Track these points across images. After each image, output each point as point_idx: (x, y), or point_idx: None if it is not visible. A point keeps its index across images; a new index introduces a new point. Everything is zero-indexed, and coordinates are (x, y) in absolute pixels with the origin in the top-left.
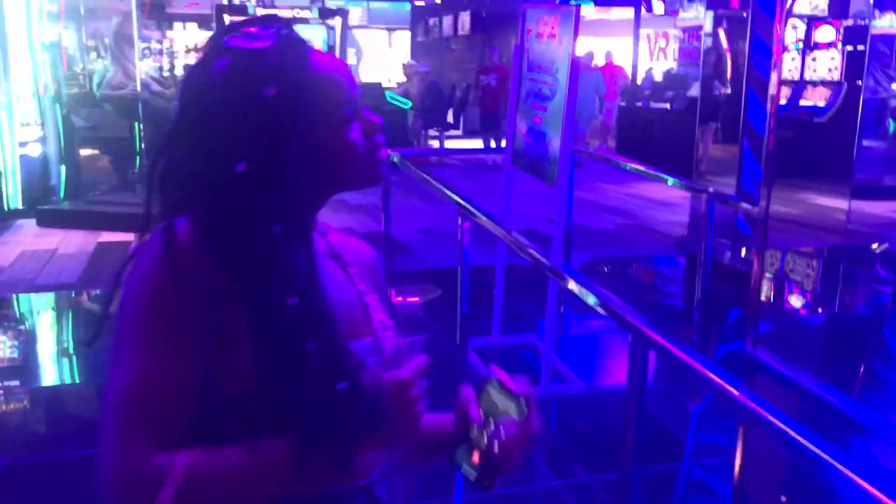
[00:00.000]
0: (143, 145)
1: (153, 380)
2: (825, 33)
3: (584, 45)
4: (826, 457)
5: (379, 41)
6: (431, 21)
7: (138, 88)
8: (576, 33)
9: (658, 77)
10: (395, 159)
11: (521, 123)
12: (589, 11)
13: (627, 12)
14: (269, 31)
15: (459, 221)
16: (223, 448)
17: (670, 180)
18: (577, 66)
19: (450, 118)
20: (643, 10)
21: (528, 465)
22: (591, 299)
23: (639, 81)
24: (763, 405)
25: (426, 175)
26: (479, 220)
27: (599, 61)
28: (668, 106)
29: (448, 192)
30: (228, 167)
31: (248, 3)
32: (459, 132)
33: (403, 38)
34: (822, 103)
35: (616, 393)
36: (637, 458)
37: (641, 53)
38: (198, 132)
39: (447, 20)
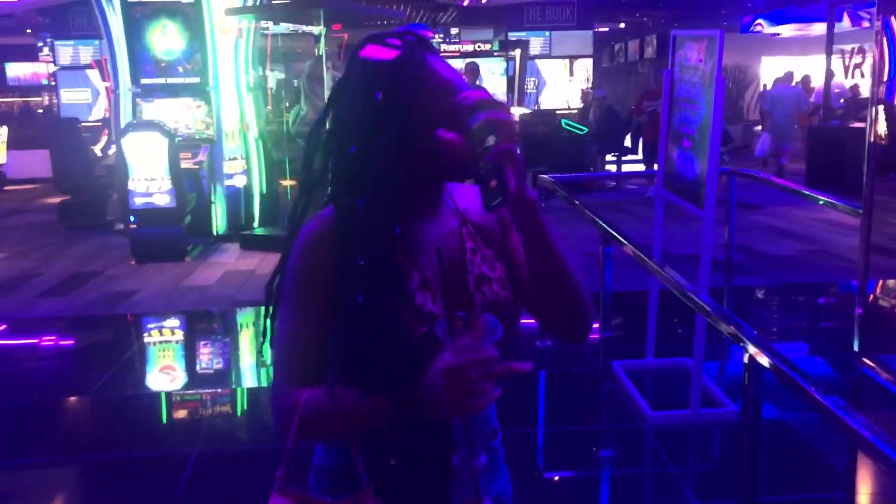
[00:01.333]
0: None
1: (291, 334)
2: None
3: (782, 64)
4: None
5: (560, 69)
6: (617, 46)
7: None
8: (720, 57)
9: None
10: (549, 185)
11: (672, 148)
12: (785, 30)
13: (823, 28)
14: (397, 42)
15: (601, 247)
16: (337, 391)
17: (821, 200)
18: (723, 90)
19: (627, 142)
20: (836, 24)
21: (672, 488)
22: (722, 327)
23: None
24: None
25: (574, 200)
26: (623, 246)
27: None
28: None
29: (592, 217)
30: (347, 155)
31: (431, 39)
32: (639, 156)
33: (586, 65)
34: None
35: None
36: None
37: (837, 70)
38: (334, 130)
39: (633, 44)
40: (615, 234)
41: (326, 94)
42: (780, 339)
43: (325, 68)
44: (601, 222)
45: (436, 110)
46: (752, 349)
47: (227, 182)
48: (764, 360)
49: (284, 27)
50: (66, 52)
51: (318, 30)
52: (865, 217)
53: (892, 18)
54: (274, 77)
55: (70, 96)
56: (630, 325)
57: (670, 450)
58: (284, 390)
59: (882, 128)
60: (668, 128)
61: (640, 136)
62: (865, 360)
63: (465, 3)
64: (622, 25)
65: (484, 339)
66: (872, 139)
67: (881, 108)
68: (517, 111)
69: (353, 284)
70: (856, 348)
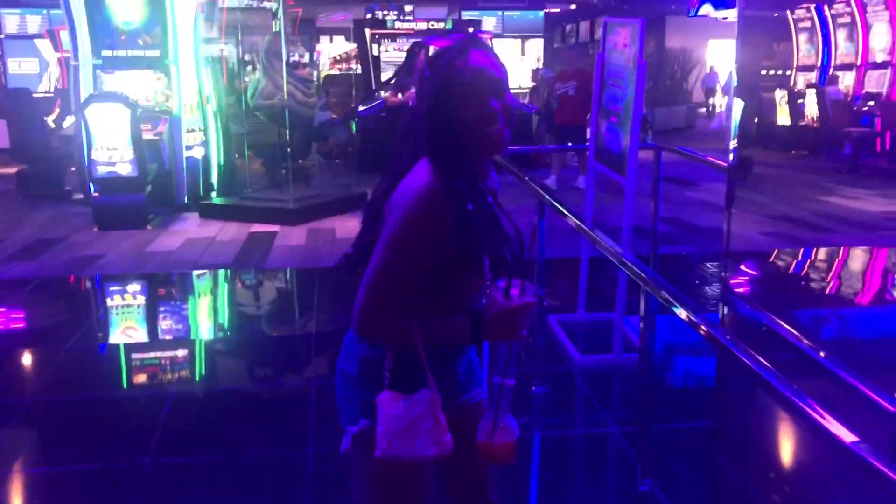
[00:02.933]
0: (289, 149)
1: (407, 272)
2: None
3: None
4: None
5: (513, 48)
6: (568, 27)
7: (285, 98)
8: (641, 42)
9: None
10: (499, 160)
11: (602, 123)
12: (731, 13)
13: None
14: (455, 37)
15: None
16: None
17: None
18: (643, 72)
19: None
20: None
21: (592, 412)
22: (626, 268)
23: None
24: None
25: (519, 173)
26: (557, 211)
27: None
28: None
29: (532, 185)
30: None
31: (387, 18)
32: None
33: (537, 45)
34: None
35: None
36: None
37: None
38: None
39: (584, 25)
40: (550, 199)
41: (280, 68)
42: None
43: (282, 43)
44: (538, 188)
45: (470, 90)
46: (648, 288)
47: (187, 153)
48: (658, 295)
49: (239, 1)
50: (13, 20)
51: (273, 5)
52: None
53: (825, 7)
54: (229, 51)
55: (18, 67)
56: (567, 286)
57: (594, 387)
58: (389, 309)
59: (813, 111)
60: (599, 105)
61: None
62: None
63: None
64: (573, 7)
65: (527, 295)
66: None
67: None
68: None
69: (465, 228)
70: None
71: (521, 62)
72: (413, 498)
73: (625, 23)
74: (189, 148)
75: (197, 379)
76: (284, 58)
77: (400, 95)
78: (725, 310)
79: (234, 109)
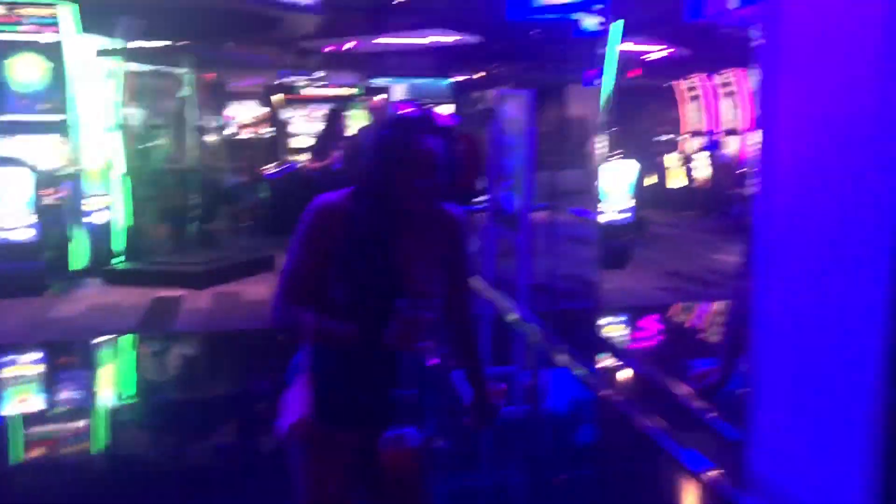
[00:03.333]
0: (197, 212)
1: (297, 267)
2: None
3: None
4: None
5: None
6: (476, 94)
7: (194, 163)
8: (531, 112)
9: None
10: None
11: (498, 187)
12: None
13: None
14: (415, 112)
15: None
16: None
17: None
18: (533, 139)
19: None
20: None
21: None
22: (516, 322)
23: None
24: None
25: None
26: None
27: None
28: None
29: None
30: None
31: (297, 84)
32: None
33: (447, 110)
34: None
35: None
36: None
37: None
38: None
39: (489, 93)
40: None
41: (189, 133)
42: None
43: (191, 107)
44: None
45: (403, 169)
46: (538, 343)
47: (90, 218)
48: (555, 356)
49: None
50: None
51: (183, 70)
52: None
53: (711, 77)
54: (138, 115)
55: None
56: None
57: (495, 440)
58: (284, 304)
59: (703, 173)
60: (495, 169)
61: None
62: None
63: (327, 50)
64: (480, 75)
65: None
66: None
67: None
68: None
69: (358, 250)
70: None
71: None
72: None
73: (516, 94)
74: (92, 213)
75: (94, 451)
76: (193, 122)
77: (320, 160)
78: (610, 363)
79: (142, 173)
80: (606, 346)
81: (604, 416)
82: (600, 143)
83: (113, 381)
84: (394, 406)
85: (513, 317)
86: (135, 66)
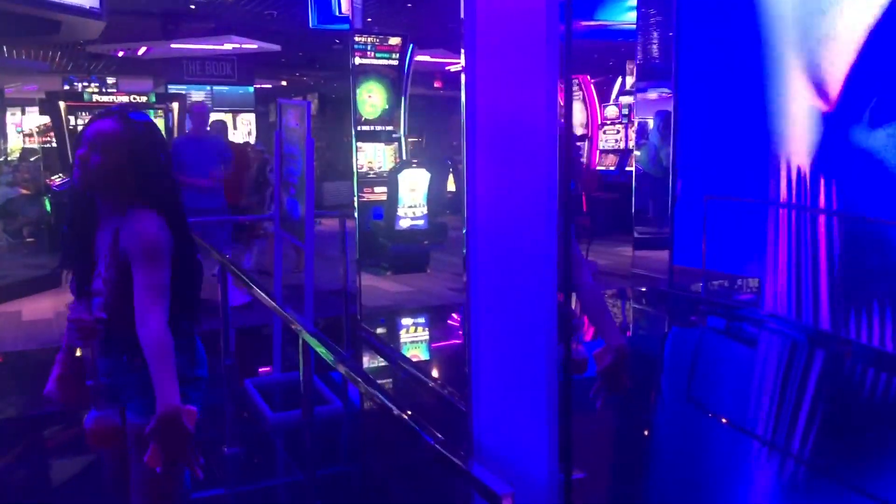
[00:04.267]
0: None
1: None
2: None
3: None
4: None
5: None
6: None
7: None
8: (308, 121)
9: None
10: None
11: (283, 194)
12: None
13: None
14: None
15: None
16: None
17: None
18: (312, 148)
19: None
20: None
21: (284, 465)
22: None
23: None
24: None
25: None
26: (245, 287)
27: None
28: None
29: (222, 260)
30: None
31: (85, 90)
32: None
33: (248, 118)
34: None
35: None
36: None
37: None
38: None
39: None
40: (239, 273)
41: None
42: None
43: None
44: (225, 261)
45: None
46: (304, 337)
47: None
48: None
49: None
50: None
51: None
52: None
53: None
54: None
55: None
56: (266, 350)
57: (286, 442)
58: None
59: None
60: (280, 177)
61: None
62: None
63: (121, 55)
64: (284, 83)
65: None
66: None
67: None
68: None
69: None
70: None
71: (232, 136)
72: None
73: (295, 104)
74: None
75: None
76: None
77: None
78: (381, 362)
79: None
80: (364, 332)
81: (368, 412)
82: (395, 152)
83: None
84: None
85: (297, 325)
86: None
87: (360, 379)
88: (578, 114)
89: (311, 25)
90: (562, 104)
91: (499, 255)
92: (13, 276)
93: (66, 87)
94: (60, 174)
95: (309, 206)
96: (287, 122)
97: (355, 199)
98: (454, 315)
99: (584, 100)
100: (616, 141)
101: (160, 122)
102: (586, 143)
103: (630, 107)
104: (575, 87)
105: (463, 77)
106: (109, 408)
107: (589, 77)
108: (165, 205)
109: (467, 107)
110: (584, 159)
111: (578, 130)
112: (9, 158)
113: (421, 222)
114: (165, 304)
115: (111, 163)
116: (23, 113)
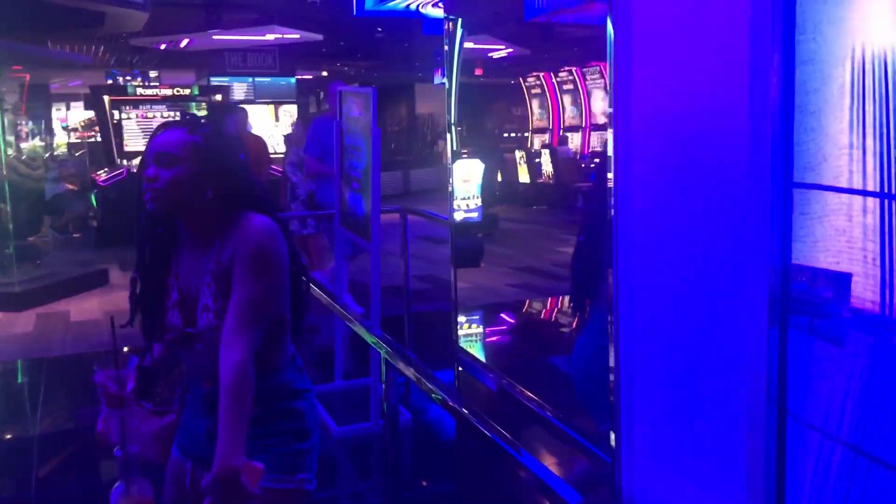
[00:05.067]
0: (11, 226)
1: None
2: None
3: None
4: None
5: (266, 114)
6: (322, 93)
7: (3, 171)
8: (374, 110)
9: None
10: None
11: (345, 189)
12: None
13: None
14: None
15: None
16: None
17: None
18: (378, 138)
19: None
20: None
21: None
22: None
23: None
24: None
25: None
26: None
27: None
28: None
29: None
30: None
31: (128, 84)
32: None
33: (290, 110)
34: None
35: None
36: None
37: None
38: None
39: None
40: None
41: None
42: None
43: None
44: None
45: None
46: (389, 359)
47: None
48: (404, 370)
49: None
50: None
51: None
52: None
53: (552, 75)
54: None
55: None
56: (324, 352)
57: (354, 458)
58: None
59: (548, 169)
60: (341, 171)
61: None
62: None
63: (163, 48)
64: (325, 73)
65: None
66: None
67: (546, 151)
68: None
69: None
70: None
71: (275, 128)
72: None
73: (358, 92)
74: None
75: None
76: (7, 126)
77: None
78: (460, 369)
79: None
80: (460, 351)
81: (457, 428)
82: (448, 142)
83: None
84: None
85: (362, 328)
86: None
87: (444, 387)
88: (599, 102)
89: (354, 14)
90: (776, 80)
91: (668, 260)
92: (61, 274)
93: (110, 82)
94: (106, 169)
95: (375, 202)
96: (348, 111)
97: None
98: (530, 313)
99: (604, 87)
100: None
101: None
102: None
103: None
104: (595, 74)
105: (612, 54)
106: (141, 479)
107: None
108: (270, 209)
109: (620, 91)
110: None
111: (600, 119)
112: (55, 154)
113: (475, 214)
114: (260, 329)
115: (188, 173)
116: (68, 108)
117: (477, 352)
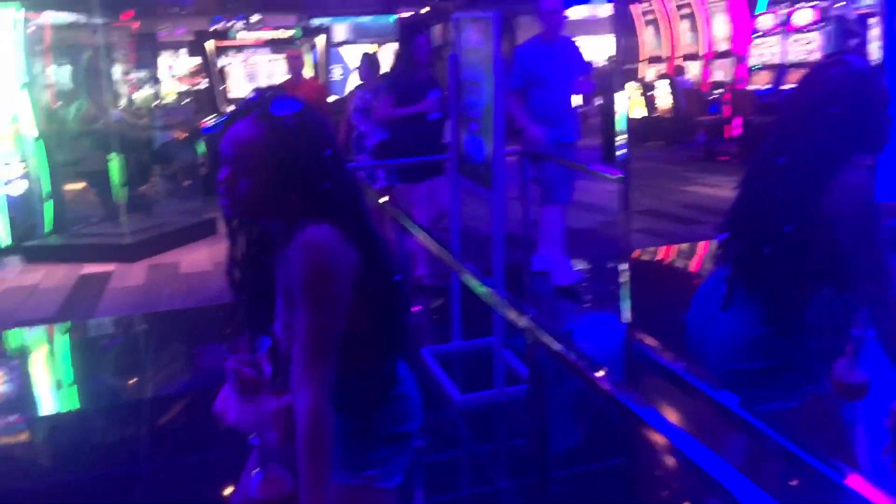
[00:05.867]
0: (122, 176)
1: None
2: (802, 16)
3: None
4: None
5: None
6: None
7: (111, 121)
8: (497, 39)
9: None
10: None
11: (462, 131)
12: (572, 12)
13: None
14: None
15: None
16: None
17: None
18: (502, 70)
19: None
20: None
21: (479, 466)
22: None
23: None
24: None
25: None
26: (418, 238)
27: None
28: None
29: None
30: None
31: (230, 29)
32: None
33: (392, 49)
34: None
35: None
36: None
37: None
38: None
39: (436, 29)
40: (408, 224)
41: (111, 88)
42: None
43: (107, 60)
44: (395, 212)
45: None
46: (540, 336)
47: (5, 189)
48: (548, 344)
49: (66, 17)
50: None
51: (98, 20)
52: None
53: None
54: (50, 71)
55: None
56: (439, 311)
57: (479, 431)
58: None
59: (665, 101)
60: (456, 111)
61: None
62: (635, 330)
63: None
64: (426, 9)
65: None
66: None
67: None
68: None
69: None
70: (625, 319)
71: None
72: None
73: (478, 18)
74: (7, 183)
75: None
76: (116, 76)
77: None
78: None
79: (59, 135)
80: (590, 304)
81: (594, 393)
82: None
83: (27, 383)
84: None
85: (480, 284)
86: (43, 16)
87: (577, 346)
88: (722, 27)
89: None
90: None
91: None
92: (170, 224)
93: (213, 28)
94: (213, 115)
95: (498, 144)
96: (465, 41)
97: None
98: (663, 262)
99: (727, 10)
100: (772, 55)
101: (307, 58)
102: (730, 59)
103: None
104: None
105: None
106: (279, 467)
107: None
108: (341, 213)
109: None
110: (729, 77)
111: (722, 46)
112: (163, 102)
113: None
114: (328, 364)
115: (260, 182)
116: (174, 57)
117: (606, 307)
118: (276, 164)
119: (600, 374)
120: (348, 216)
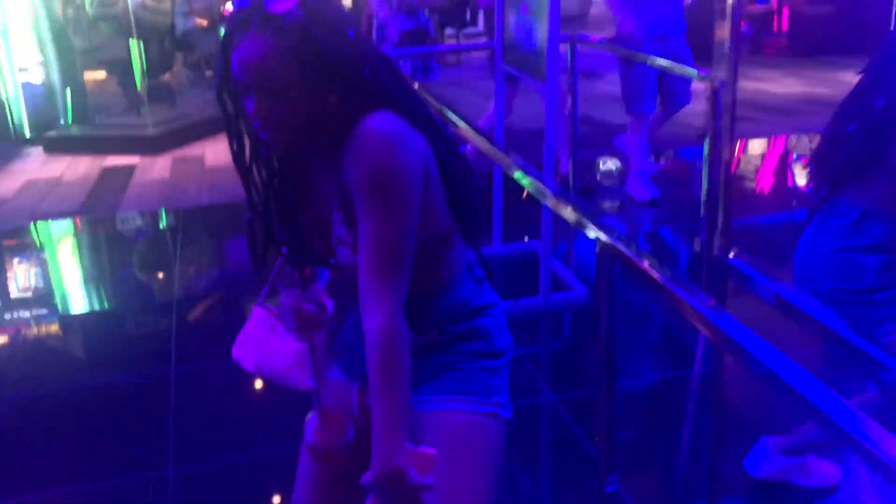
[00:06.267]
0: (142, 64)
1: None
2: None
3: None
4: None
5: None
6: None
7: (129, 5)
8: None
9: None
10: None
11: (510, 15)
12: None
13: None
14: None
15: None
16: None
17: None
18: None
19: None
20: None
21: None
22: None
23: None
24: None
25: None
26: (460, 129)
27: None
28: None
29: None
30: None
31: None
32: (480, 29)
33: None
34: None
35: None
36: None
37: None
38: None
39: None
40: (452, 116)
41: None
42: (626, 216)
43: None
44: (436, 104)
45: None
46: (603, 238)
47: (23, 77)
48: (614, 249)
49: None
50: None
51: None
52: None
53: None
54: None
55: None
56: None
57: (522, 338)
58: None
59: None
60: None
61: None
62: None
63: None
64: None
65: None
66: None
67: None
68: None
69: None
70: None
71: None
72: None
73: None
74: (24, 70)
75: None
76: None
77: None
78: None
79: (74, 21)
80: (649, 203)
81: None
82: None
83: (52, 280)
84: None
85: (529, 179)
86: None
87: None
88: None
89: None
90: None
91: None
92: (194, 115)
93: None
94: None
95: (553, 29)
96: None
97: None
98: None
99: None
100: None
101: None
102: None
103: None
104: None
105: None
106: (338, 410)
107: None
108: (392, 97)
109: None
110: None
111: None
112: None
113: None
114: (401, 274)
115: (293, 98)
116: None
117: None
118: (303, 71)
119: (682, 289)
120: (401, 98)
